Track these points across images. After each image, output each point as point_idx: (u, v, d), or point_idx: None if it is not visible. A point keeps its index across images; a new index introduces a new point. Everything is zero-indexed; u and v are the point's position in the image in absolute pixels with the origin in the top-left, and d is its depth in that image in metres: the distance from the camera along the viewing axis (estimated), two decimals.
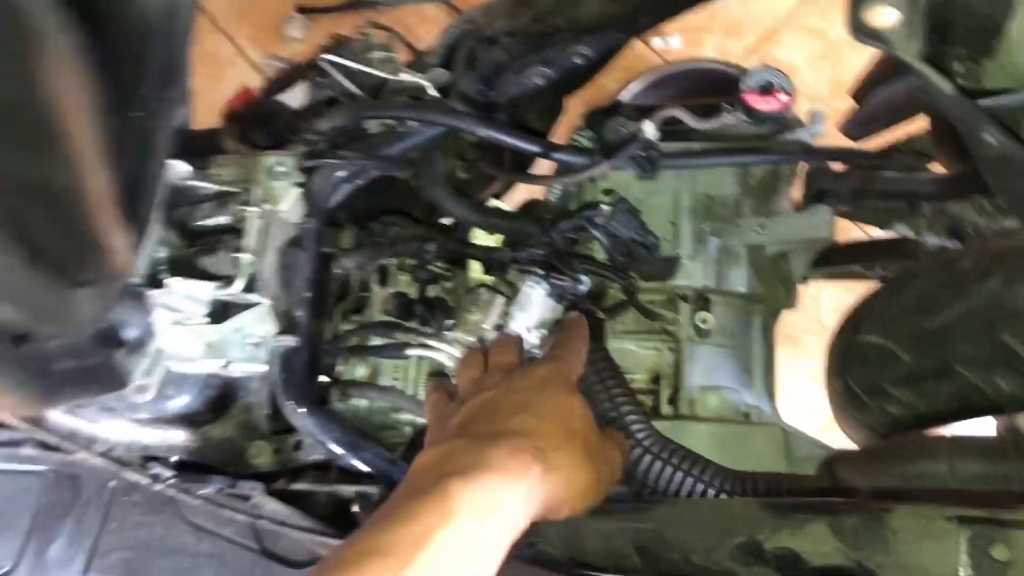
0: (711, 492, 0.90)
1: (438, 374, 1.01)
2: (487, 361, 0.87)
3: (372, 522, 0.59)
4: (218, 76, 2.04)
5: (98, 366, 0.75)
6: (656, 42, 1.96)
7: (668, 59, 1.93)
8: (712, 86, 1.75)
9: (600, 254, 1.07)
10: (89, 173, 0.33)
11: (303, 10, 2.07)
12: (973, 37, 0.46)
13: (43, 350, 0.57)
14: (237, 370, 0.93)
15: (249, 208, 0.89)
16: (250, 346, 0.92)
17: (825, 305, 1.75)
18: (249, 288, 0.89)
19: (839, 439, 1.25)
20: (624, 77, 1.88)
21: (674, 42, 1.95)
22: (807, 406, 1.53)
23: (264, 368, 0.93)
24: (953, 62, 0.46)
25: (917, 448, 0.87)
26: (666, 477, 0.92)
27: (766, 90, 1.02)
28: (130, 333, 0.79)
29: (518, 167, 1.18)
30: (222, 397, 1.04)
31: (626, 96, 1.80)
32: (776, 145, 1.06)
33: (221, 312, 0.93)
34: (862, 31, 0.44)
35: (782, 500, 0.81)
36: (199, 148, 1.14)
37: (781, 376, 1.78)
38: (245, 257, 0.87)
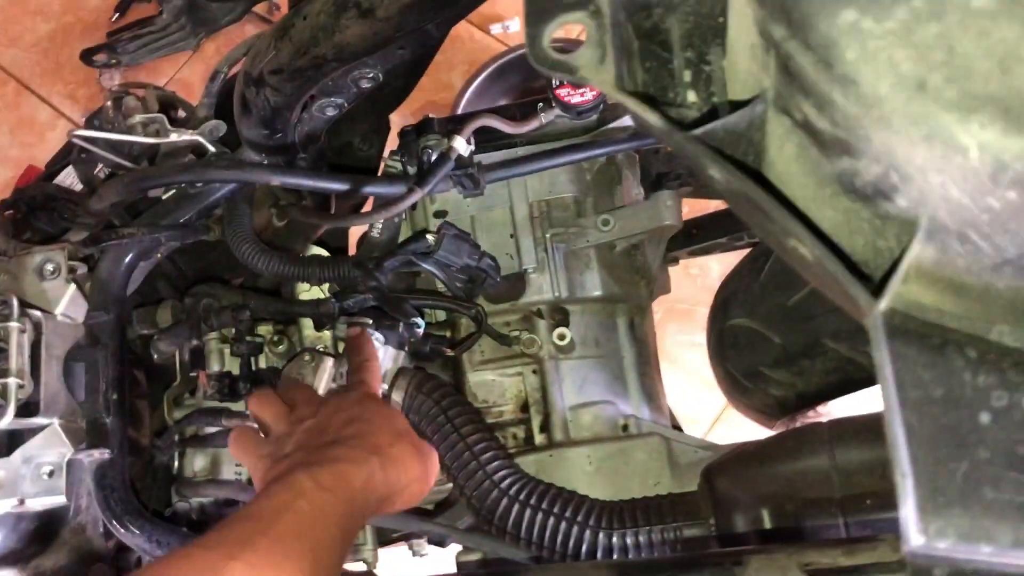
0: (587, 532, 0.83)
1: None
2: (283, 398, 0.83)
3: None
4: (40, 142, 1.88)
5: None
6: (495, 28, 1.87)
7: (509, 44, 1.84)
8: None
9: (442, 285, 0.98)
10: None
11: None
12: (696, 45, 0.37)
13: None
14: (36, 505, 0.82)
15: (11, 324, 0.78)
16: (44, 476, 0.80)
17: (713, 273, 1.70)
18: (29, 411, 0.78)
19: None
20: (468, 70, 1.80)
21: (512, 25, 1.86)
22: (709, 381, 1.47)
23: (62, 499, 0.82)
24: (683, 75, 0.38)
25: (794, 445, 0.81)
26: (536, 524, 0.84)
27: (579, 83, 0.93)
28: None
29: (351, 206, 1.09)
30: (45, 525, 0.92)
31: (469, 90, 1.71)
32: (601, 136, 0.98)
33: (7, 443, 0.81)
34: (544, 62, 0.36)
35: (632, 561, 0.75)
36: None
37: (679, 353, 1.74)
38: (12, 381, 0.76)
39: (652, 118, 0.34)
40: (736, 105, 0.36)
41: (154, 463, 0.99)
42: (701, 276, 1.70)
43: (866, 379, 0.91)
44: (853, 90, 0.27)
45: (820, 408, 1.01)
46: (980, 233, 0.29)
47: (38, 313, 0.81)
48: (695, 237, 1.21)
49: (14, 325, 0.78)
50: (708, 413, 1.69)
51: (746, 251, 1.18)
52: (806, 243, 0.32)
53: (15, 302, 0.78)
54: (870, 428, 0.79)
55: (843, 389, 0.95)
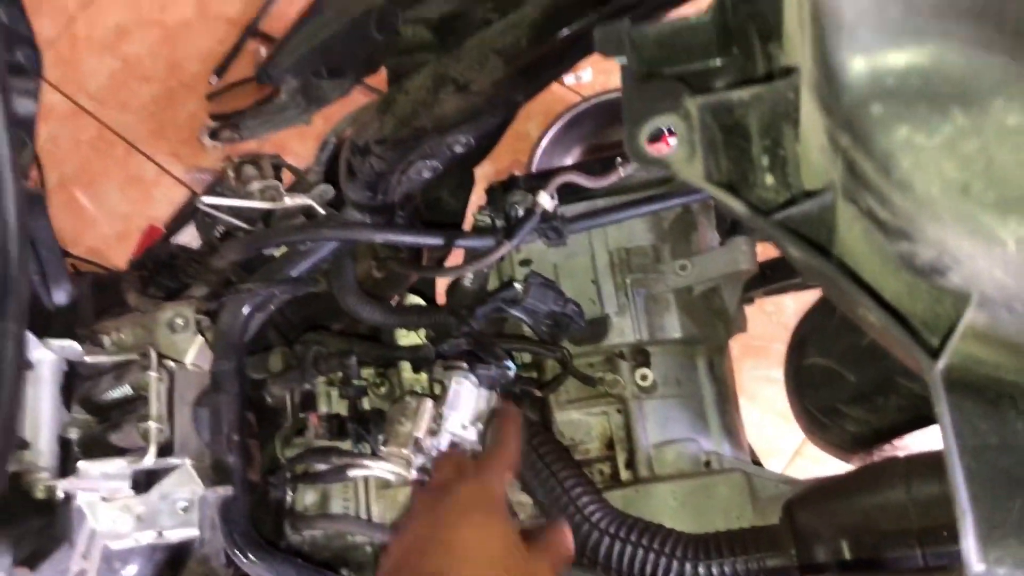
0: (675, 563, 0.88)
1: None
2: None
3: None
4: (146, 199, 2.02)
5: None
6: (568, 79, 1.95)
7: (582, 94, 1.92)
8: None
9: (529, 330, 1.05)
10: None
11: (216, 117, 2.05)
12: (772, 133, 0.44)
13: None
14: (172, 537, 0.90)
15: (150, 374, 0.87)
16: (180, 511, 0.89)
17: (788, 310, 1.73)
18: (165, 452, 0.87)
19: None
20: (544, 120, 1.87)
21: (585, 75, 1.94)
22: (786, 415, 1.50)
23: (196, 531, 0.90)
24: (761, 160, 0.44)
25: (872, 478, 0.85)
26: (626, 556, 0.89)
27: (655, 137, 0.99)
28: (27, 547, 0.76)
29: (438, 258, 1.16)
30: (175, 556, 1.01)
31: (545, 140, 1.79)
32: (678, 186, 1.04)
33: (145, 480, 0.90)
34: (642, 158, 0.42)
35: None
36: (113, 299, 1.12)
37: (756, 388, 1.77)
38: (153, 425, 0.85)
39: (738, 206, 0.40)
40: (809, 193, 0.42)
41: (267, 499, 1.07)
42: (776, 313, 1.74)
43: None
44: (909, 192, 0.33)
45: (896, 443, 1.04)
46: None
47: (172, 363, 0.91)
48: (770, 278, 1.25)
49: (153, 375, 0.87)
50: (787, 447, 1.71)
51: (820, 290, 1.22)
52: (873, 312, 0.37)
53: (154, 355, 0.88)
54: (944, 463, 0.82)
55: (916, 425, 0.98)
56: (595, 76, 1.96)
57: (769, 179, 0.44)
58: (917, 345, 0.36)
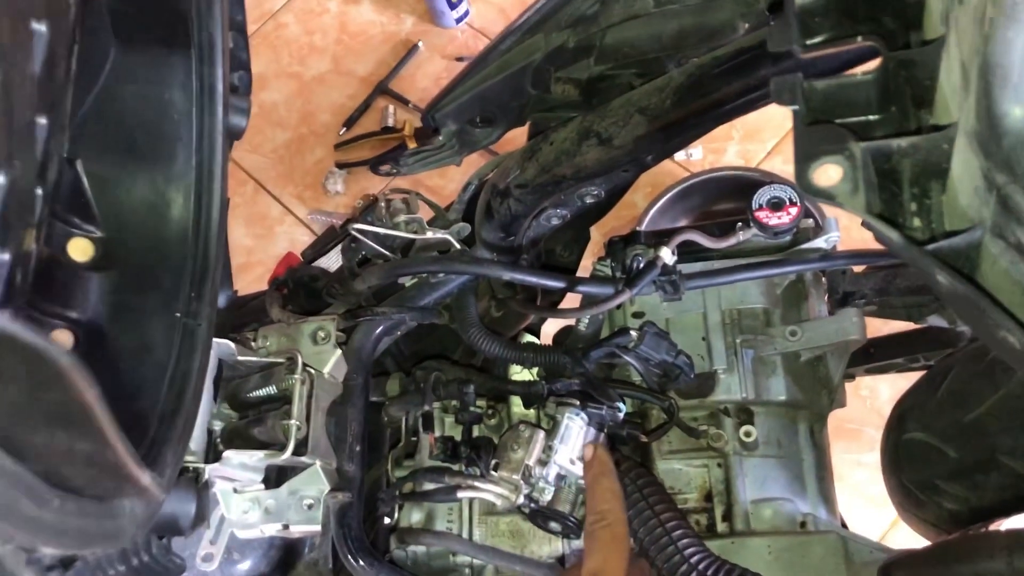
0: None
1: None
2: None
3: None
4: (269, 235, 2.16)
5: (148, 565, 0.79)
6: (679, 155, 2.03)
7: (691, 170, 1.99)
8: (735, 190, 1.80)
9: (637, 377, 1.09)
10: (111, 437, 0.38)
11: (341, 165, 2.20)
12: (921, 183, 0.49)
13: (94, 563, 0.61)
14: (296, 531, 0.97)
15: (295, 376, 0.95)
16: (305, 508, 0.96)
17: (882, 395, 1.74)
18: (299, 452, 0.94)
19: (907, 533, 1.23)
20: (652, 192, 1.95)
21: (696, 153, 2.01)
22: (875, 499, 1.51)
23: (319, 528, 0.97)
24: (910, 205, 0.49)
25: (972, 548, 0.86)
26: None
27: (776, 206, 1.06)
28: (184, 520, 0.83)
29: (550, 302, 1.23)
30: (287, 556, 1.08)
31: (654, 209, 1.86)
32: (794, 255, 1.09)
33: (276, 477, 0.98)
34: (809, 190, 0.48)
35: None
36: (248, 316, 1.22)
37: (846, 471, 1.76)
38: (293, 424, 0.92)
39: (894, 236, 0.45)
40: (948, 233, 0.47)
41: (375, 513, 1.13)
42: (871, 398, 1.74)
43: None
44: None
45: (993, 526, 1.05)
46: None
47: (312, 371, 0.98)
48: (873, 356, 1.28)
49: (297, 378, 0.95)
50: (873, 532, 1.70)
51: (920, 373, 1.24)
52: (1015, 334, 0.42)
53: (300, 360, 0.96)
54: None
55: (1017, 506, 0.98)
56: (705, 155, 2.03)
57: (916, 221, 0.49)
58: None
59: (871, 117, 0.52)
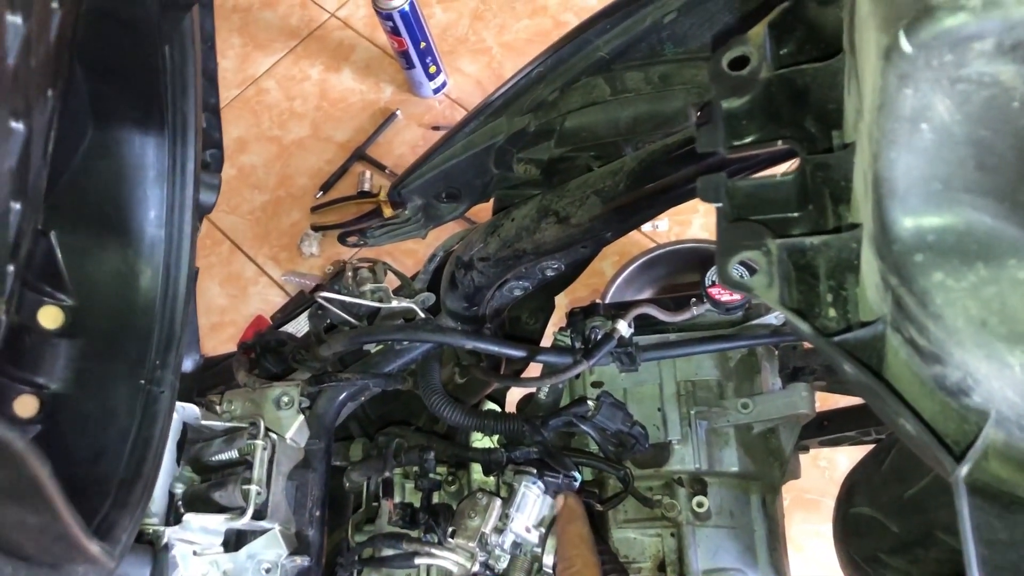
0: None
1: None
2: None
3: None
4: (242, 295, 2.19)
5: None
6: (646, 226, 2.09)
7: (657, 241, 2.05)
8: (698, 262, 1.86)
9: (595, 446, 1.12)
10: (61, 511, 0.40)
11: (317, 228, 2.24)
12: (837, 276, 0.53)
13: None
14: None
15: (257, 442, 0.97)
16: (263, 572, 0.97)
17: (840, 466, 1.77)
18: (259, 516, 0.95)
19: None
20: (619, 261, 2.00)
21: (662, 225, 2.07)
22: (831, 569, 1.52)
23: None
24: (826, 296, 0.54)
25: None
26: None
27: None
28: None
29: (513, 370, 1.26)
30: None
31: (620, 279, 1.91)
32: (745, 331, 1.13)
33: (235, 540, 0.99)
34: (728, 282, 0.52)
35: None
36: (216, 378, 1.24)
37: (804, 541, 1.79)
38: (254, 488, 0.94)
39: (805, 327, 0.49)
40: (863, 323, 0.51)
41: None
42: (829, 469, 1.77)
43: None
44: (940, 323, 0.42)
45: None
46: None
47: (275, 436, 1.01)
48: (826, 428, 1.31)
49: (259, 443, 0.97)
50: None
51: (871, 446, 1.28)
52: (910, 422, 0.46)
53: (263, 424, 0.98)
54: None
55: None
56: (671, 226, 2.09)
57: (832, 312, 0.53)
58: (944, 450, 0.44)
59: (790, 215, 0.56)
